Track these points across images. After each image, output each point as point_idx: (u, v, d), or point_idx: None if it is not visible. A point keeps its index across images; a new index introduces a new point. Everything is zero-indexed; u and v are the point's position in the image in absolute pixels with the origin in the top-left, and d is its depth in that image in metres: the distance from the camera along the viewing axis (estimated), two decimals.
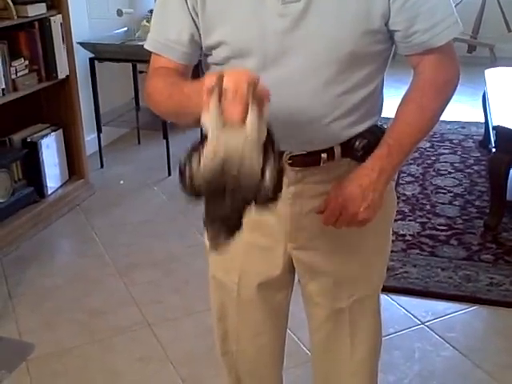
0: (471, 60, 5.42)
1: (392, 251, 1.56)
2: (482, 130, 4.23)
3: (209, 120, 0.98)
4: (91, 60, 3.85)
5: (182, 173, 1.01)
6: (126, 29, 4.13)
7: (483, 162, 3.93)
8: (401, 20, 1.21)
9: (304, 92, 1.24)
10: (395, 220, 1.57)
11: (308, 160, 1.32)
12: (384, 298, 2.41)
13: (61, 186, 3.52)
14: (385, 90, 1.37)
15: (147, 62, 1.37)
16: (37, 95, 3.34)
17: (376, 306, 1.52)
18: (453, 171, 3.86)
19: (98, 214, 3.46)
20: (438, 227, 3.19)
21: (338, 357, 1.54)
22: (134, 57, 3.81)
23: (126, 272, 2.91)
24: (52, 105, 3.48)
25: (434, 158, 4.06)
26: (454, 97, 1.32)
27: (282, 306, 1.55)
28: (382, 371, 1.65)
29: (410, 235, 3.11)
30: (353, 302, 1.45)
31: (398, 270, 2.81)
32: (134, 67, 4.21)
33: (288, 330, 1.64)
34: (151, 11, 3.77)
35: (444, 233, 3.14)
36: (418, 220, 3.27)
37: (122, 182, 3.86)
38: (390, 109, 1.39)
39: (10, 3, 3.00)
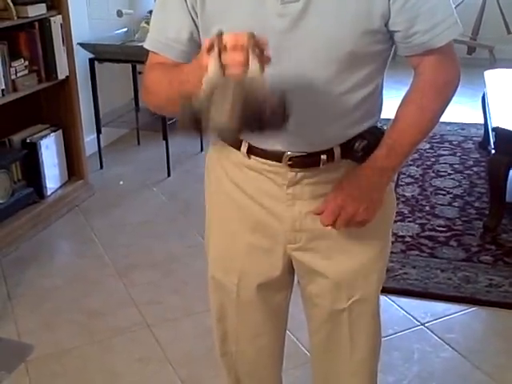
0: (471, 61, 5.42)
1: (391, 252, 1.56)
2: (482, 132, 4.23)
3: (209, 74, 0.98)
4: (91, 61, 3.85)
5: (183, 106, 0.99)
6: (125, 29, 4.13)
7: (483, 164, 3.93)
8: (401, 20, 1.21)
9: (303, 92, 1.24)
10: (395, 221, 1.57)
11: (308, 161, 1.32)
12: (383, 299, 2.41)
13: (60, 187, 3.52)
14: (385, 91, 1.37)
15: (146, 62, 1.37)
16: (36, 96, 3.34)
17: (375, 307, 1.52)
18: (452, 172, 3.86)
19: (98, 215, 3.46)
20: (438, 228, 3.20)
21: (338, 358, 1.54)
22: (133, 57, 3.81)
23: (125, 273, 2.90)
24: (52, 105, 3.48)
25: (433, 160, 4.06)
26: (454, 98, 1.32)
27: (281, 307, 1.55)
28: (381, 372, 1.65)
29: (409, 236, 3.11)
30: (352, 303, 1.45)
31: (398, 271, 2.81)
32: (134, 68, 4.22)
33: (287, 331, 1.64)
34: (151, 12, 3.76)
35: (443, 234, 3.14)
36: (417, 221, 3.27)
37: (121, 182, 3.86)
38: (390, 110, 1.39)
39: (10, 4, 3.00)
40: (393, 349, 2.35)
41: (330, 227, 1.33)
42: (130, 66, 4.19)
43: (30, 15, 3.11)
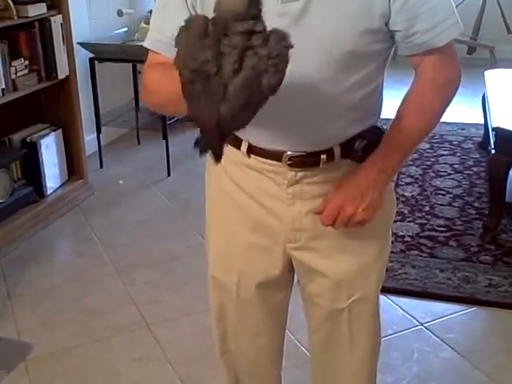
0: (471, 61, 5.42)
1: (391, 252, 1.56)
2: (482, 132, 4.23)
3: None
4: (91, 60, 3.85)
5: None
6: (126, 29, 4.13)
7: (482, 164, 3.93)
8: (401, 20, 1.21)
9: (303, 91, 1.24)
10: (394, 221, 1.57)
11: (308, 161, 1.32)
12: (383, 298, 2.41)
13: (60, 186, 3.52)
14: (385, 91, 1.37)
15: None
16: (37, 95, 3.34)
17: (375, 307, 1.52)
18: (452, 172, 3.86)
19: (98, 214, 3.46)
20: (437, 228, 3.20)
21: (337, 357, 1.54)
22: (134, 57, 3.81)
23: (124, 272, 2.91)
24: (52, 105, 3.48)
25: (433, 160, 4.06)
26: (454, 98, 1.32)
27: (281, 306, 1.55)
28: (381, 372, 1.65)
29: (409, 236, 3.11)
30: (352, 302, 1.45)
31: (397, 271, 2.81)
32: (134, 67, 4.22)
33: (287, 331, 1.64)
34: (151, 11, 3.76)
35: (443, 234, 3.14)
36: (417, 221, 3.27)
37: (121, 182, 3.87)
38: (390, 110, 1.39)
39: (11, 3, 3.00)
40: (392, 349, 2.35)
41: (329, 227, 1.33)
42: (130, 65, 4.19)
43: (30, 15, 3.11)
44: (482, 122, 4.14)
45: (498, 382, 2.22)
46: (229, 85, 0.93)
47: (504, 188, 3.13)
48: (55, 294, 2.75)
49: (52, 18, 3.25)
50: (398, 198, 3.37)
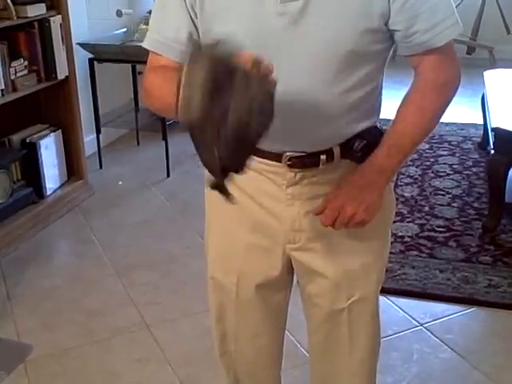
0: (470, 61, 5.42)
1: (390, 253, 1.56)
2: (481, 132, 4.23)
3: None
4: (90, 61, 3.85)
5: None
6: (125, 29, 4.13)
7: (482, 164, 3.93)
8: (401, 20, 1.21)
9: (303, 91, 1.24)
10: (394, 221, 1.57)
11: (307, 161, 1.32)
12: (382, 299, 2.41)
13: (60, 187, 3.52)
14: (385, 92, 1.37)
15: (146, 62, 1.37)
16: (36, 96, 3.34)
17: (375, 308, 1.52)
18: (451, 173, 3.87)
19: (97, 215, 3.46)
20: (437, 229, 3.20)
21: (337, 358, 1.54)
22: (133, 57, 3.81)
23: (124, 273, 2.90)
24: (51, 105, 3.48)
25: (432, 160, 4.06)
26: (453, 98, 1.32)
27: (280, 307, 1.55)
28: (380, 372, 1.65)
29: (408, 237, 3.11)
30: (352, 302, 1.45)
31: (397, 272, 2.81)
32: (134, 68, 4.22)
33: (286, 332, 1.64)
34: (151, 12, 3.77)
35: (442, 234, 3.14)
36: (416, 221, 3.27)
37: (120, 182, 3.86)
38: (390, 110, 1.39)
39: (10, 3, 3.00)
40: (392, 349, 2.35)
41: (329, 227, 1.33)
42: (129, 66, 4.18)
43: (29, 15, 3.11)
44: (481, 122, 4.15)
45: (498, 382, 2.22)
46: (220, 129, 0.97)
47: (503, 188, 3.13)
48: (55, 295, 2.75)
49: (51, 19, 3.25)
50: (397, 199, 3.36)
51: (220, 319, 1.56)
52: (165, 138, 3.83)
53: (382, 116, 1.38)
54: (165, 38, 1.30)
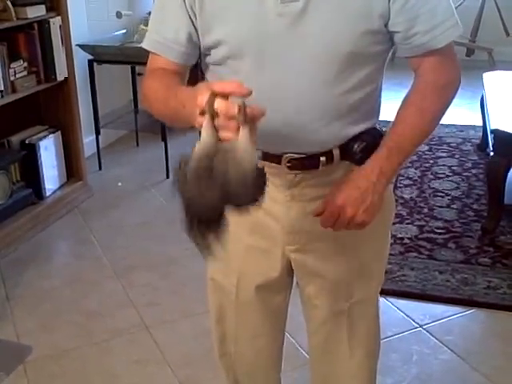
0: (470, 63, 5.42)
1: (390, 254, 1.56)
2: (480, 134, 4.23)
3: (204, 138, 1.02)
4: (90, 62, 3.85)
5: (176, 173, 1.04)
6: (124, 31, 4.13)
7: (481, 166, 3.93)
8: (401, 21, 1.21)
9: (302, 92, 1.24)
10: (393, 223, 1.57)
11: (307, 163, 1.32)
12: (382, 300, 2.41)
13: (59, 188, 3.52)
14: (385, 93, 1.37)
15: (146, 64, 1.37)
16: (35, 97, 3.34)
17: (374, 309, 1.52)
18: (451, 174, 3.87)
19: (96, 216, 3.46)
20: (436, 230, 3.20)
21: (337, 359, 1.53)
22: (132, 59, 3.81)
23: (123, 274, 2.90)
24: (51, 107, 3.48)
25: (431, 162, 4.06)
26: (453, 100, 1.32)
27: (280, 309, 1.55)
28: (380, 374, 1.65)
29: (407, 238, 3.12)
30: (351, 304, 1.45)
31: (396, 273, 2.81)
32: (133, 69, 4.22)
33: (286, 333, 1.64)
34: (150, 13, 3.77)
35: (442, 236, 3.14)
36: (415, 223, 3.27)
37: (120, 184, 3.86)
38: (389, 112, 1.39)
39: (10, 5, 3.00)
40: (391, 351, 2.35)
41: (329, 229, 1.33)
42: (129, 67, 4.19)
43: (29, 16, 3.11)
44: (480, 124, 4.15)
45: (497, 383, 2.22)
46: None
47: (502, 190, 3.13)
48: (54, 296, 2.75)
49: (51, 20, 3.25)
50: (396, 200, 3.35)
51: (220, 320, 1.56)
52: (164, 140, 3.83)
53: (381, 118, 1.38)
54: (164, 38, 1.30)
